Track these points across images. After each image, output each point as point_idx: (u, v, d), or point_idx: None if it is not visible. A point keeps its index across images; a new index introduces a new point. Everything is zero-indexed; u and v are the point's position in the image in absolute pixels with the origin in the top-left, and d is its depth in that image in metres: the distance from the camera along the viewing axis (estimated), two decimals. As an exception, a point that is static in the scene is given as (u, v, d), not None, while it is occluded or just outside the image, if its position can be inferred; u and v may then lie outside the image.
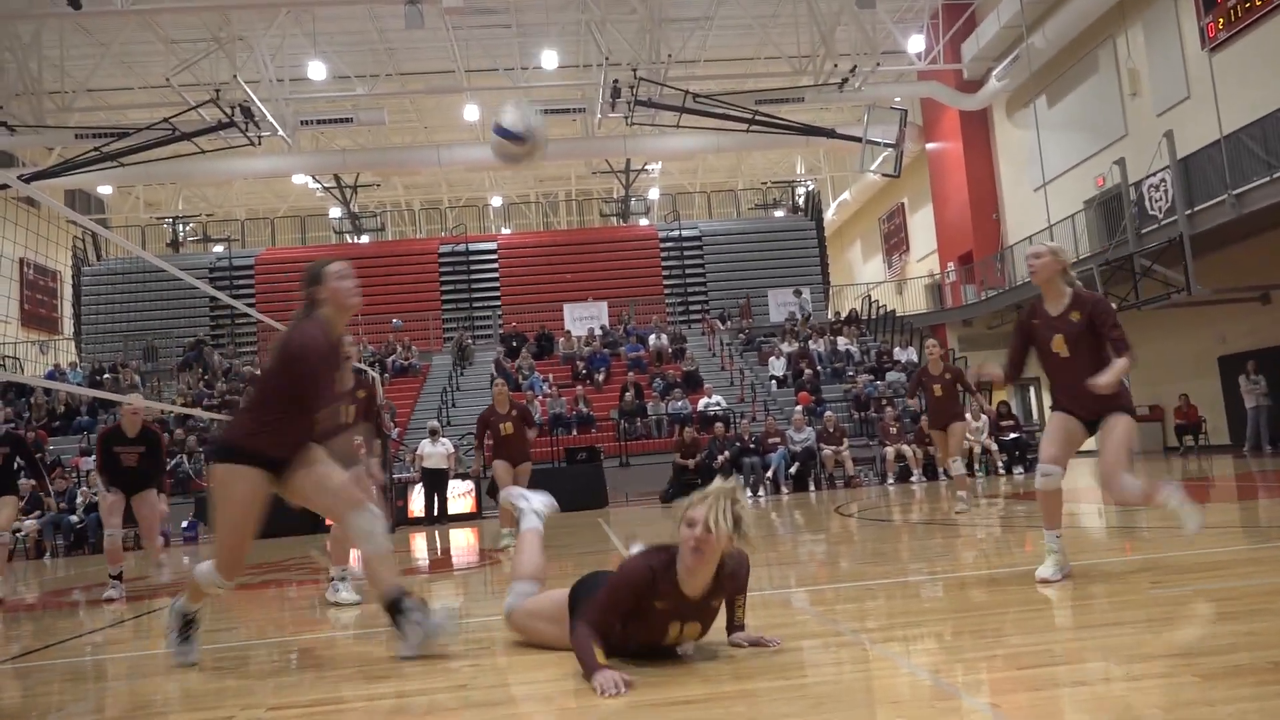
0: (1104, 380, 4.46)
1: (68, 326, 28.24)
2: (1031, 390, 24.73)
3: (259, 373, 4.05)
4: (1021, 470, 16.88)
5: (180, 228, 30.27)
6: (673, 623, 3.26)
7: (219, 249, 29.44)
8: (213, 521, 3.59)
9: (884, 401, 18.99)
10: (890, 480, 16.68)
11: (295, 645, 4.58)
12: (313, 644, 4.55)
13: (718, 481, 3.23)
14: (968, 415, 17.51)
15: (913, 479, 16.69)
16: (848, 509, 11.31)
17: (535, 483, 16.20)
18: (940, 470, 9.05)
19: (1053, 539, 4.53)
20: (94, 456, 7.53)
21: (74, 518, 15.17)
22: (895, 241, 31.62)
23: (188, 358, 23.58)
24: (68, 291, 28.18)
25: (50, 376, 20.96)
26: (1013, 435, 17.60)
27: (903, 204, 30.51)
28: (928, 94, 24.59)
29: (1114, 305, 17.31)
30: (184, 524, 16.59)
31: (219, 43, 19.35)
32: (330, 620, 5.30)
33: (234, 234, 30.47)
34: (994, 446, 17.23)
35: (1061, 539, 4.55)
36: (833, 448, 17.10)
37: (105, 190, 29.73)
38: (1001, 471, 17.02)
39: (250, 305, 20.72)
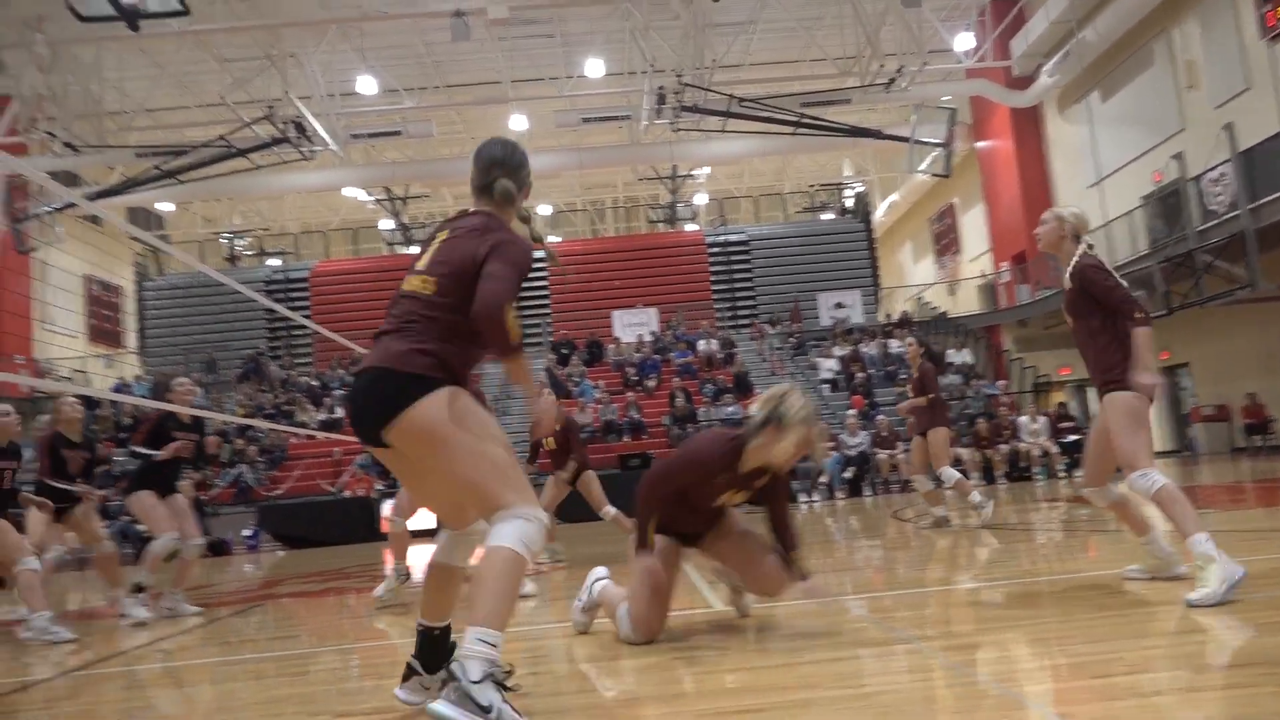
0: (1142, 380, 4.04)
1: (131, 340, 28.98)
2: (1090, 391, 24.22)
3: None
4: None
5: (237, 242, 30.91)
6: (726, 491, 3.75)
7: (274, 262, 30.02)
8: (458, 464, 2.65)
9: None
10: (947, 485, 16.40)
11: (356, 653, 4.64)
12: (373, 651, 4.59)
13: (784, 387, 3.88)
14: (1024, 417, 17.25)
15: (970, 483, 16.42)
16: (904, 514, 11.18)
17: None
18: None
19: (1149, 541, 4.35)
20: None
21: (141, 527, 15.52)
22: (946, 242, 31.21)
23: (246, 369, 24.04)
24: (131, 306, 28.95)
25: (117, 390, 21.51)
26: (1072, 437, 17.27)
27: (953, 204, 30.12)
28: (977, 92, 24.25)
29: (1177, 300, 16.97)
30: (245, 533, 16.91)
31: (271, 60, 19.72)
32: (386, 629, 5.36)
33: (288, 247, 31.08)
34: (1054, 448, 16.93)
35: (1154, 543, 4.35)
36: (887, 452, 16.91)
37: (165, 207, 30.45)
38: (1062, 474, 16.70)
39: (306, 317, 21.08)
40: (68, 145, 19.29)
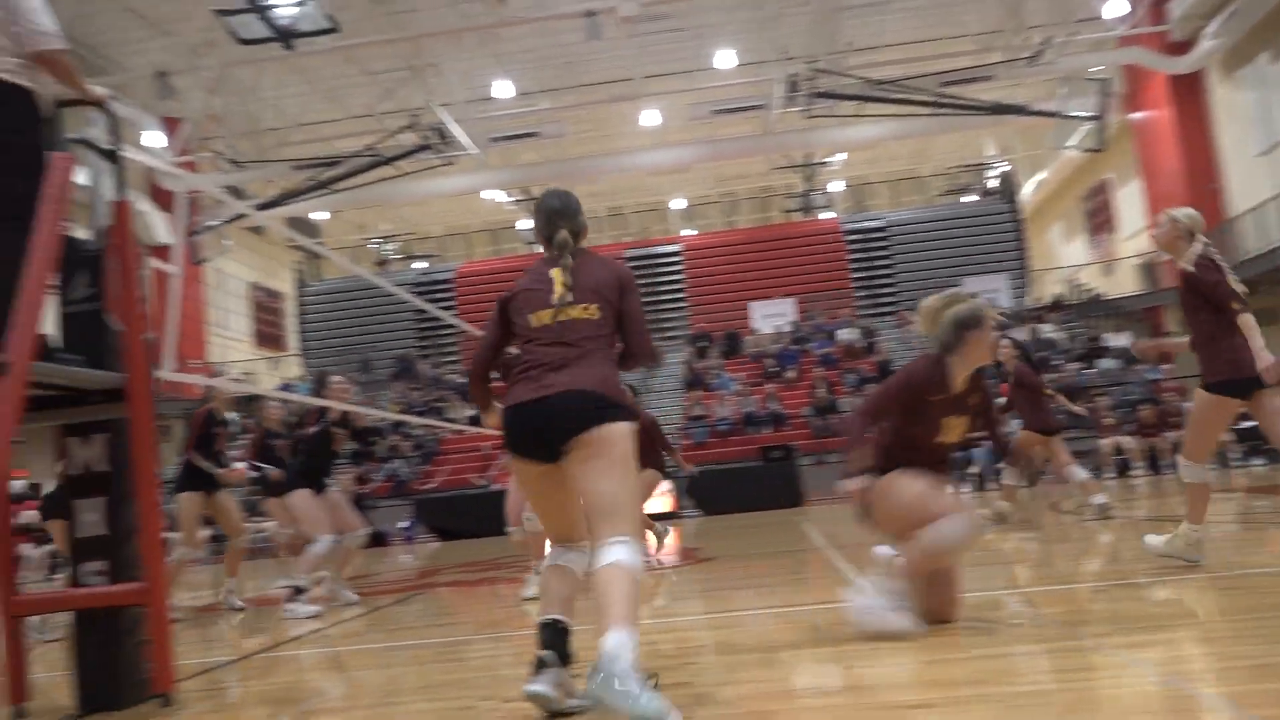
0: (1264, 363, 4.34)
1: (293, 343, 30.66)
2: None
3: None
4: (1263, 461, 15.46)
5: (385, 247, 32.25)
6: (945, 418, 3.84)
7: (421, 265, 31.17)
8: None
9: (1096, 391, 17.84)
10: (1110, 475, 15.65)
11: (510, 640, 4.72)
12: (526, 640, 4.62)
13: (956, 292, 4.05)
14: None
15: (1134, 472, 15.60)
16: (1063, 505, 10.70)
17: (730, 480, 16.20)
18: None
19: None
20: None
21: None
22: (1100, 220, 29.62)
23: (398, 368, 25.06)
24: (292, 311, 30.64)
25: (283, 390, 22.78)
26: (1247, 423, 16.12)
27: (1107, 180, 28.55)
28: (1131, 60, 22.87)
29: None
30: (401, 525, 17.64)
31: (413, 70, 20.46)
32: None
33: (433, 250, 32.21)
34: (1226, 435, 15.85)
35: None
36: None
37: (319, 216, 32.04)
38: (1236, 463, 15.64)
39: (454, 316, 21.82)
40: (233, 161, 20.52)
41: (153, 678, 3.64)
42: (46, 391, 3.68)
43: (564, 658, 2.99)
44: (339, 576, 7.14)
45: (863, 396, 18.75)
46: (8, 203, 3.49)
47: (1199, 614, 3.72)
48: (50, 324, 3.52)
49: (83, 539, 3.78)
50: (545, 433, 2.95)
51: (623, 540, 2.83)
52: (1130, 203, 26.89)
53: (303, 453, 7.00)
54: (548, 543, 3.30)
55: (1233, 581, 4.35)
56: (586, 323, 3.07)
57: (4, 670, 3.69)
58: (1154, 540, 4.93)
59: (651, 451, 7.82)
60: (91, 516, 3.76)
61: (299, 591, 6.54)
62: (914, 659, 3.32)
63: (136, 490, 3.76)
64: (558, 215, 3.31)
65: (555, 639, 2.99)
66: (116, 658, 3.66)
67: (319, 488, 6.87)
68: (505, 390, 3.16)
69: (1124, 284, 25.91)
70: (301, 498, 6.76)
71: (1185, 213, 4.81)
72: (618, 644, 2.59)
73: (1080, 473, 8.70)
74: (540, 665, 2.93)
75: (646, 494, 8.58)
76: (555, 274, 3.18)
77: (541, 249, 3.34)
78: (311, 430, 6.96)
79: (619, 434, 2.91)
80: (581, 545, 3.16)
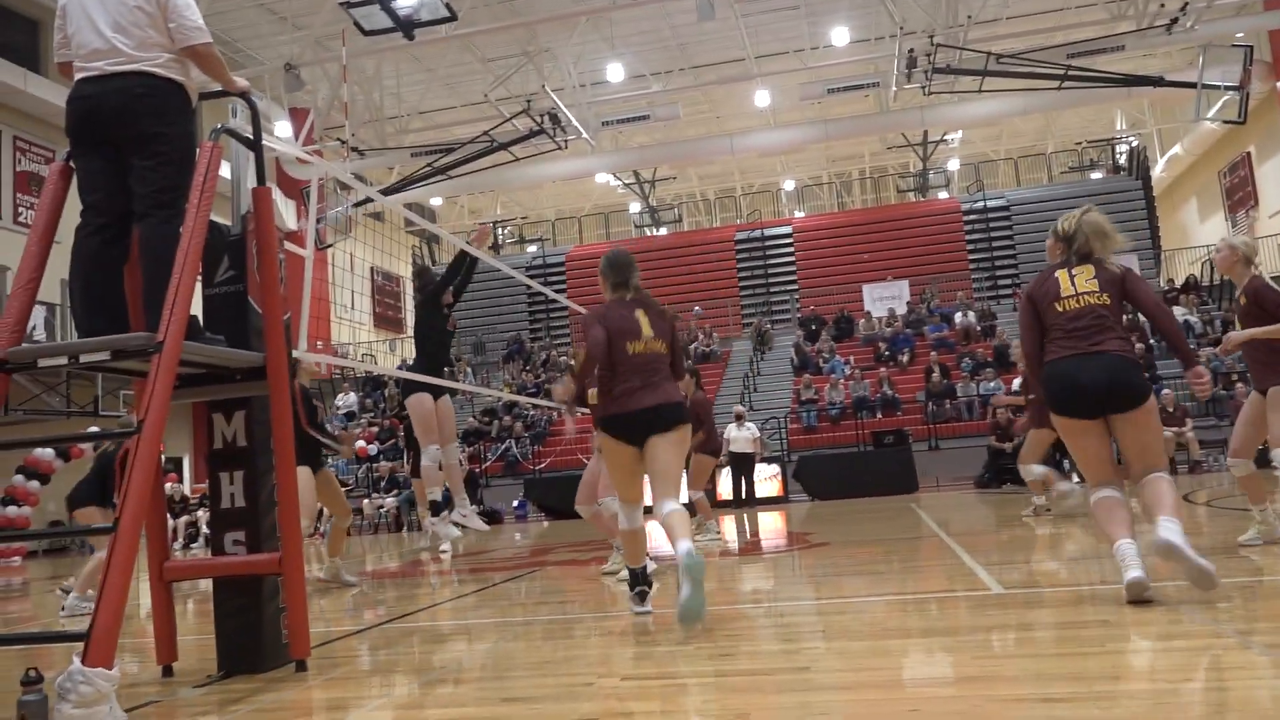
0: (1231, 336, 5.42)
1: (410, 325, 31.61)
2: None
3: None
4: None
5: (499, 231, 32.86)
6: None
7: (533, 249, 31.66)
8: None
9: (1234, 378, 16.89)
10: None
11: (618, 618, 4.76)
12: (634, 619, 4.67)
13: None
14: None
15: (1274, 463, 14.69)
16: (1196, 497, 10.21)
17: (840, 465, 16.00)
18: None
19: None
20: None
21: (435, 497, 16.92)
22: (1240, 196, 27.95)
23: (511, 350, 25.57)
24: (410, 293, 31.58)
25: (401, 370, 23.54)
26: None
27: (1248, 153, 26.90)
28: (1277, 24, 21.47)
29: None
30: (514, 503, 18.03)
31: (528, 56, 20.74)
32: (663, 598, 5.52)
33: (545, 234, 32.67)
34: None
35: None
36: (1174, 429, 15.46)
37: (436, 202, 32.86)
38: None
39: (565, 299, 22.10)
40: (355, 150, 21.21)
41: (290, 644, 3.82)
42: (193, 370, 3.87)
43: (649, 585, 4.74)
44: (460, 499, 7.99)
45: (979, 381, 18.08)
46: (163, 192, 3.68)
47: None
48: (197, 306, 3.68)
49: (224, 510, 3.98)
50: (654, 424, 4.38)
51: (675, 498, 4.36)
52: (1274, 177, 25.31)
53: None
54: (620, 519, 4.67)
55: None
56: (660, 355, 4.54)
57: (155, 631, 3.95)
58: (1245, 537, 5.60)
59: (708, 437, 8.81)
60: (232, 489, 3.95)
61: (437, 509, 7.96)
62: (1043, 650, 3.24)
63: (274, 464, 3.94)
64: (630, 268, 4.71)
65: (645, 576, 4.72)
66: (256, 624, 3.85)
67: (435, 394, 7.70)
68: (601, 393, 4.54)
69: (1268, 263, 24.41)
70: (419, 400, 7.66)
71: (1242, 240, 5.54)
72: (687, 550, 3.97)
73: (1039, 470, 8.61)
74: (642, 595, 4.66)
75: (705, 475, 9.17)
76: (640, 315, 4.55)
77: (612, 285, 4.71)
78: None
79: (685, 428, 4.48)
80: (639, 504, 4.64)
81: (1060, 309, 4.16)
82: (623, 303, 4.59)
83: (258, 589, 3.86)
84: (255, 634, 3.84)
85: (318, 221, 19.68)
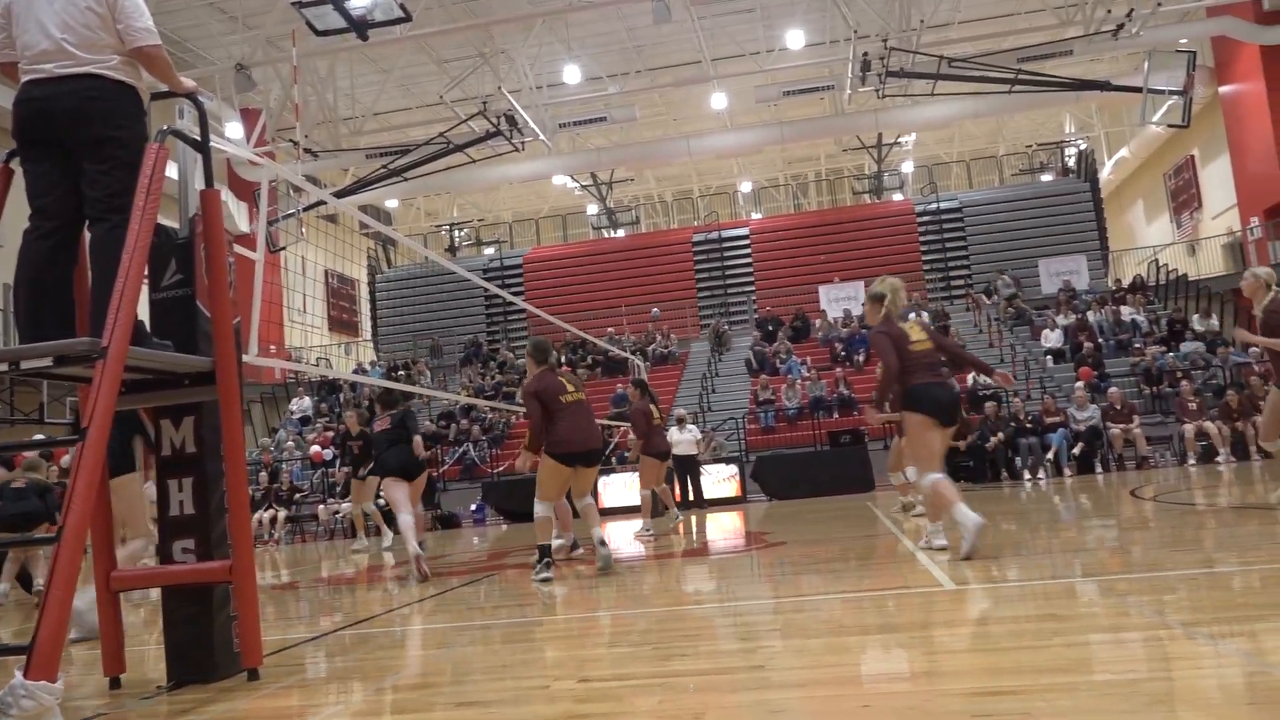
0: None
1: (366, 328, 31.31)
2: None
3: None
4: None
5: (456, 233, 32.67)
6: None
7: (490, 251, 31.52)
8: None
9: (1180, 375, 17.30)
10: (1191, 461, 15.18)
11: (576, 622, 4.80)
12: (591, 622, 4.73)
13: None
14: None
15: (1219, 459, 15.09)
16: (1144, 492, 10.42)
17: (797, 465, 16.12)
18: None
19: None
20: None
21: (383, 501, 16.71)
22: (1185, 199, 28.61)
23: (468, 353, 25.41)
24: (365, 296, 31.29)
25: (356, 373, 23.27)
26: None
27: (1192, 156, 27.55)
28: (1220, 31, 21.99)
29: None
30: (472, 507, 17.91)
31: (484, 58, 20.64)
32: (602, 600, 5.55)
33: (502, 236, 32.53)
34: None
35: None
36: (1121, 426, 15.79)
37: (391, 204, 32.58)
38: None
39: (522, 301, 22.01)
40: (309, 151, 20.95)
41: (241, 652, 3.78)
42: (139, 375, 3.81)
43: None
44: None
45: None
46: (116, 197, 3.62)
47: None
48: (144, 311, 3.64)
49: (172, 517, 3.91)
50: (590, 457, 6.82)
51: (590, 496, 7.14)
52: (1218, 179, 25.93)
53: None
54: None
55: None
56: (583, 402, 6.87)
57: (102, 642, 3.87)
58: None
59: (647, 441, 10.25)
60: (181, 496, 3.89)
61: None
62: (994, 645, 3.29)
63: (225, 470, 3.89)
64: (551, 349, 7.07)
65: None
66: (207, 633, 3.79)
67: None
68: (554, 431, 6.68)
69: (1210, 264, 25.02)
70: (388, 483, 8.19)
71: (1265, 270, 7.02)
72: (599, 536, 6.76)
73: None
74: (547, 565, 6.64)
75: (653, 474, 10.48)
76: (563, 379, 6.86)
77: (539, 361, 6.92)
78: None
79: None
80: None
81: (914, 350, 5.86)
82: (550, 372, 6.84)
83: (208, 597, 3.81)
84: (206, 643, 3.78)
85: (269, 224, 19.42)
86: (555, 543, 7.38)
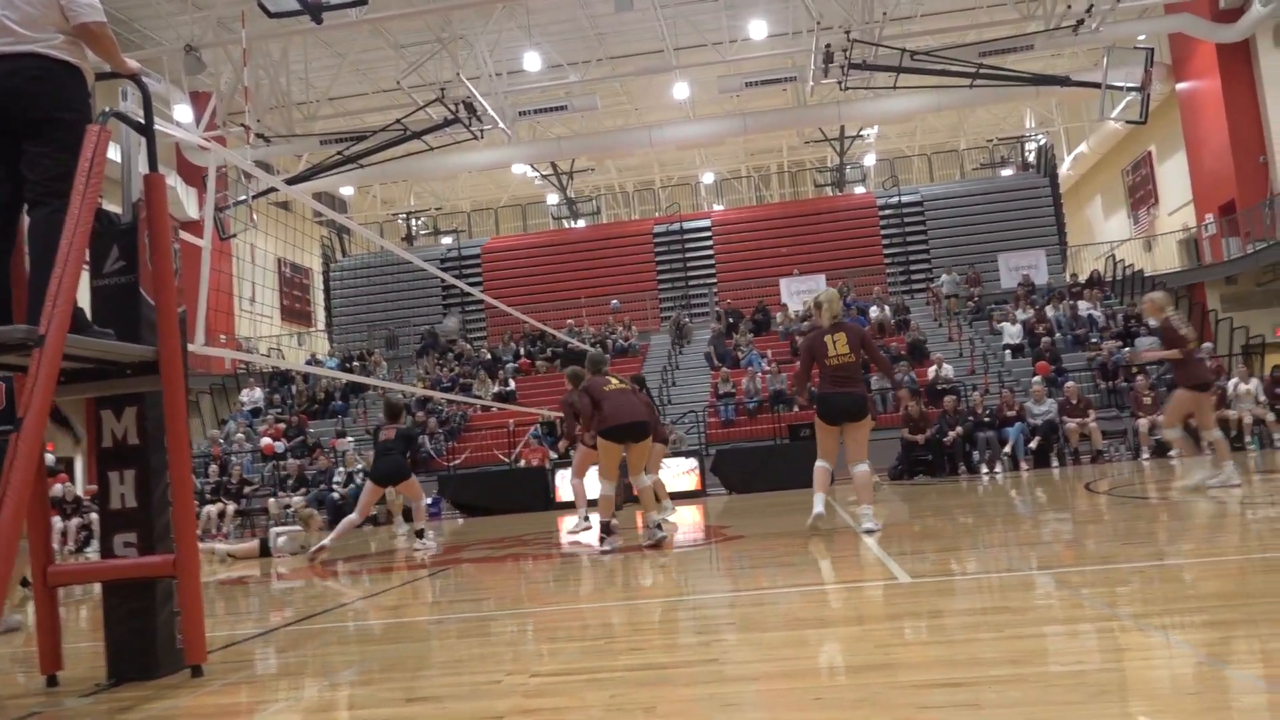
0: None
1: (320, 318, 30.81)
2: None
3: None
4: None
5: (413, 222, 32.23)
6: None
7: (448, 240, 31.12)
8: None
9: (1135, 370, 17.52)
10: (1145, 455, 15.37)
11: (533, 617, 4.74)
12: (551, 616, 4.69)
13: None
14: (1232, 381, 15.89)
15: (1171, 453, 15.28)
16: (1098, 486, 10.52)
17: (757, 458, 16.06)
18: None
19: None
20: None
21: (336, 495, 16.45)
22: (1142, 194, 29.05)
23: (425, 344, 25.09)
24: (319, 285, 30.79)
25: (309, 364, 22.86)
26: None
27: (1150, 152, 27.96)
28: (1177, 28, 22.32)
29: None
30: (427, 501, 17.63)
31: (442, 43, 20.32)
32: (561, 595, 5.48)
33: (461, 225, 32.15)
34: (1269, 415, 15.51)
35: None
36: (1077, 420, 15.94)
37: (347, 191, 32.09)
38: (1280, 444, 15.31)
39: (480, 292, 21.74)
40: (261, 136, 20.50)
41: (185, 649, 3.68)
42: (80, 365, 3.71)
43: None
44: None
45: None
46: (58, 180, 3.51)
47: (1239, 595, 3.64)
48: (84, 298, 3.53)
49: (114, 511, 3.81)
50: (636, 430, 7.39)
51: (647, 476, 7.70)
52: (1174, 176, 26.33)
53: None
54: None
55: (1273, 564, 4.28)
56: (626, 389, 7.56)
57: (38, 638, 3.70)
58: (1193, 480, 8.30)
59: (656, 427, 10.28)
60: (123, 489, 3.80)
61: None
62: (946, 638, 3.30)
63: (169, 463, 3.80)
64: (606, 362, 7.91)
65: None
66: (149, 629, 3.71)
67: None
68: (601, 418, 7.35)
69: (1166, 260, 25.40)
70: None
71: (1160, 295, 9.01)
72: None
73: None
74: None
75: (586, 465, 10.36)
76: (613, 379, 7.63)
77: (594, 374, 7.70)
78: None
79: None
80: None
81: (830, 363, 6.97)
82: (602, 379, 7.59)
83: (150, 592, 3.73)
84: (148, 639, 3.70)
85: (220, 210, 18.98)
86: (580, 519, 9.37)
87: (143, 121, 3.95)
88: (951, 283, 23.48)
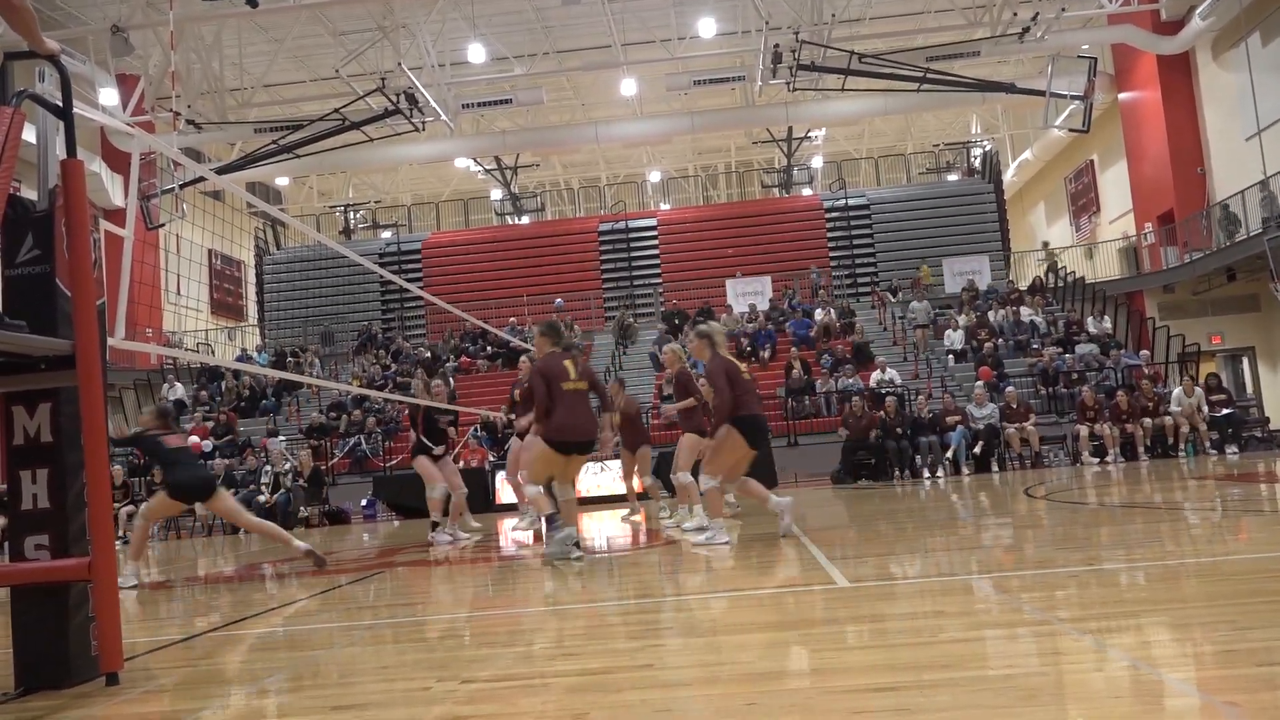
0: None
1: (252, 313, 29.88)
2: (1245, 361, 22.38)
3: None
4: (1236, 449, 15.30)
5: (351, 215, 31.41)
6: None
7: (387, 235, 30.39)
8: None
9: (1075, 376, 17.59)
10: (1084, 460, 15.40)
11: (470, 621, 4.69)
12: (487, 621, 4.65)
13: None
14: (1175, 391, 15.99)
15: (1109, 459, 15.36)
16: (1035, 491, 10.48)
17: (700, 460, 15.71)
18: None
19: None
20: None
21: (262, 498, 15.80)
22: (1084, 202, 29.43)
23: (362, 341, 24.42)
24: (251, 278, 29.84)
25: (240, 360, 22.07)
26: (1225, 411, 15.96)
27: (1092, 161, 28.34)
28: (1120, 39, 22.59)
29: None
30: (362, 502, 17.10)
31: (383, 31, 19.76)
32: (497, 598, 5.46)
33: (401, 219, 31.40)
34: (1203, 424, 15.64)
35: None
36: (1017, 425, 15.93)
37: (282, 182, 31.21)
38: (1211, 451, 15.44)
39: (420, 288, 21.15)
40: (191, 123, 19.72)
41: (99, 656, 3.55)
42: None
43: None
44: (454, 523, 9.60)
45: (837, 377, 18.23)
46: None
47: (1172, 600, 3.68)
48: None
49: (24, 511, 3.68)
50: (585, 447, 6.92)
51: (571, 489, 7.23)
52: (1115, 185, 26.68)
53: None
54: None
55: (1204, 568, 4.39)
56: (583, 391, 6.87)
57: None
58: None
59: (641, 431, 10.59)
60: (35, 489, 3.67)
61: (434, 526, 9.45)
62: (882, 642, 3.31)
63: (85, 462, 3.65)
64: (563, 331, 7.22)
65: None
66: (61, 635, 3.58)
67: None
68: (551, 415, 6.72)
69: (1106, 268, 25.69)
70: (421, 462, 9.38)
71: (676, 346, 9.47)
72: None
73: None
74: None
75: (645, 466, 10.50)
76: (568, 364, 6.82)
77: (550, 345, 7.03)
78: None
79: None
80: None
81: (745, 377, 7.06)
82: (557, 356, 6.83)
83: (63, 597, 3.59)
84: (60, 646, 3.57)
85: (147, 199, 18.19)
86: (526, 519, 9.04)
87: (60, 105, 3.77)
88: (925, 311, 21.87)
